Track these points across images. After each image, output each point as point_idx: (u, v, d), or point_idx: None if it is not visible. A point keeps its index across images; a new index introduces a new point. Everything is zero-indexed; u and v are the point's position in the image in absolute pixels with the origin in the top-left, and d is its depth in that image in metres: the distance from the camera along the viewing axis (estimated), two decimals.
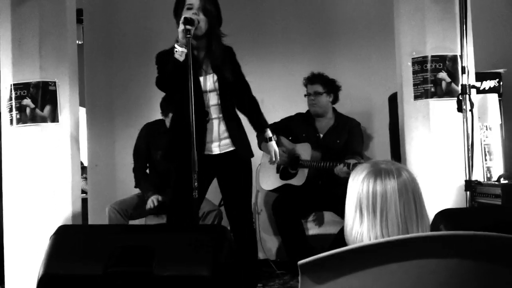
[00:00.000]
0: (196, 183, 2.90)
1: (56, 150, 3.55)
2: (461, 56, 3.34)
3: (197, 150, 2.92)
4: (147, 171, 4.48)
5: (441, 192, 3.42)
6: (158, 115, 4.49)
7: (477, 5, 3.98)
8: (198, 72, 3.23)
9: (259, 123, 3.46)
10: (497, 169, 4.07)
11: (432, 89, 3.52)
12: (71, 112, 3.61)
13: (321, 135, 4.55)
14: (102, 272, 2.09)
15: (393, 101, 4.07)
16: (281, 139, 4.49)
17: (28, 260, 3.44)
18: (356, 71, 5.01)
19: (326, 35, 5.11)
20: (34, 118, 3.53)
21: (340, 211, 4.09)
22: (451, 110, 3.38)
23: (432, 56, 3.52)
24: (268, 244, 4.97)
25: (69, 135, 3.59)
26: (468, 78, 3.29)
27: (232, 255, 2.16)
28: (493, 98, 4.28)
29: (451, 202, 3.38)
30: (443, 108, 3.50)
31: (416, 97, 3.56)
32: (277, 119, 4.60)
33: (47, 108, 3.53)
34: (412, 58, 3.57)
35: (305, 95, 4.60)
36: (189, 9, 3.17)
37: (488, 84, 4.35)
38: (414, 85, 3.57)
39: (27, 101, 3.52)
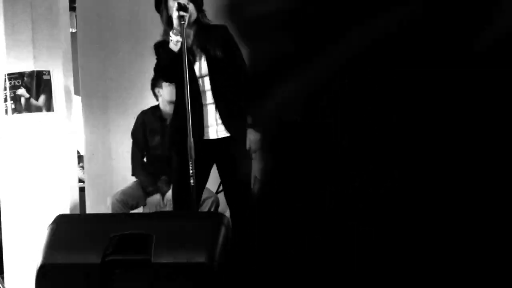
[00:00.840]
0: (192, 170, 2.90)
1: (52, 139, 3.55)
2: None
3: (196, 135, 2.92)
4: (145, 159, 4.47)
5: None
6: (153, 102, 4.47)
7: None
8: (193, 59, 3.21)
9: None
10: None
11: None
12: (66, 101, 3.60)
13: None
14: (101, 261, 2.10)
15: None
16: None
17: (26, 250, 3.45)
18: None
19: None
20: (29, 108, 3.52)
21: None
22: None
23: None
24: None
25: (64, 124, 3.59)
26: None
27: (229, 242, 2.17)
28: None
29: None
30: None
31: None
32: None
33: (42, 98, 3.52)
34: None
35: None
36: None
37: None
38: None
39: (21, 91, 3.51)
